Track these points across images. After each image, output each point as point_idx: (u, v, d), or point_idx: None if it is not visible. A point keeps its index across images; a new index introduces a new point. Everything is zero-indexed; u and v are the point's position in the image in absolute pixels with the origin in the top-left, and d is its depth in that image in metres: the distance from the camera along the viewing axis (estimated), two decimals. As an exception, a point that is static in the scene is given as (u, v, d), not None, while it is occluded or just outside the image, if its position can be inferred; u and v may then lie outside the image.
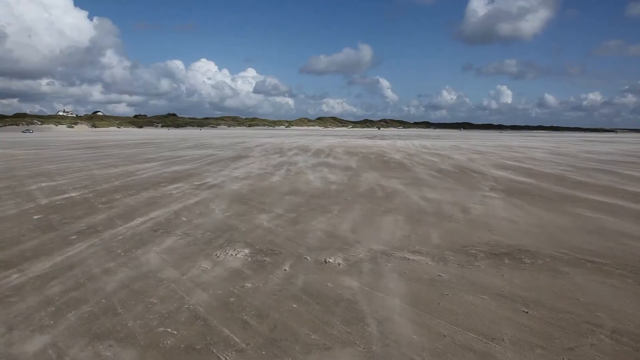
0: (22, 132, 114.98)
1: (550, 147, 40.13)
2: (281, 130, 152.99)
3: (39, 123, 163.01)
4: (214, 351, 3.79)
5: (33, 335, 4.05)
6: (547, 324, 4.29)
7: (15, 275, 5.56)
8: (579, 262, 6.18)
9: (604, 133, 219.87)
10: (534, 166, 20.59)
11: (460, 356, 3.70)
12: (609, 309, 4.63)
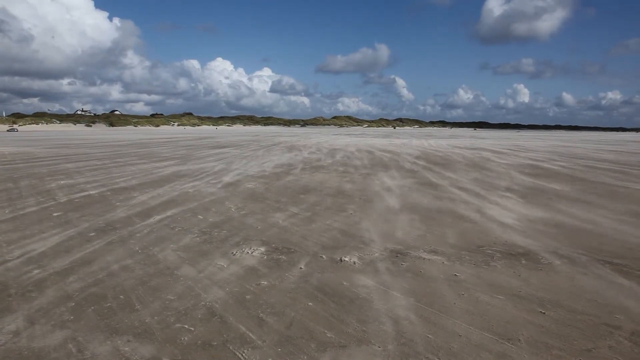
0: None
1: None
2: (296, 129, 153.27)
3: (58, 122, 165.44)
4: (230, 348, 3.82)
5: (54, 330, 4.13)
6: (565, 325, 4.25)
7: (36, 271, 5.67)
8: (597, 263, 6.10)
9: (625, 133, 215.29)
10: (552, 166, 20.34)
11: (476, 356, 3.69)
12: (627, 311, 4.57)
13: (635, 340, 3.97)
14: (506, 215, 9.18)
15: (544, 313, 4.51)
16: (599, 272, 5.72)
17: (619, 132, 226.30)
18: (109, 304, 4.68)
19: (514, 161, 22.87)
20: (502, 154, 28.71)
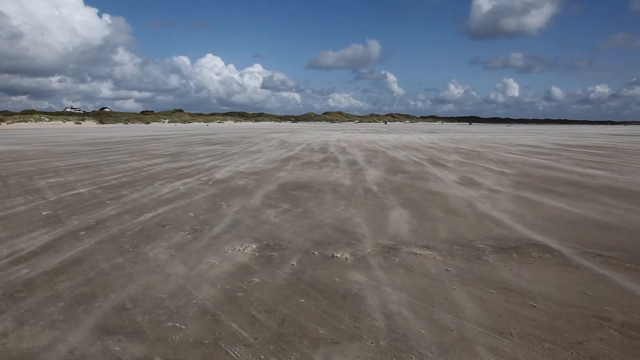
0: None
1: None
2: (287, 125, 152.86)
3: (47, 119, 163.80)
4: (222, 346, 3.81)
5: (43, 330, 4.08)
6: (556, 318, 4.27)
7: (25, 271, 5.61)
8: (588, 255, 6.15)
9: (614, 125, 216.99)
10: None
11: (468, 350, 3.70)
12: (618, 303, 4.61)
13: (626, 332, 4.01)
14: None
15: (535, 306, 4.54)
16: (589, 265, 5.77)
17: (607, 125, 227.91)
18: (99, 304, 4.64)
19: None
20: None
